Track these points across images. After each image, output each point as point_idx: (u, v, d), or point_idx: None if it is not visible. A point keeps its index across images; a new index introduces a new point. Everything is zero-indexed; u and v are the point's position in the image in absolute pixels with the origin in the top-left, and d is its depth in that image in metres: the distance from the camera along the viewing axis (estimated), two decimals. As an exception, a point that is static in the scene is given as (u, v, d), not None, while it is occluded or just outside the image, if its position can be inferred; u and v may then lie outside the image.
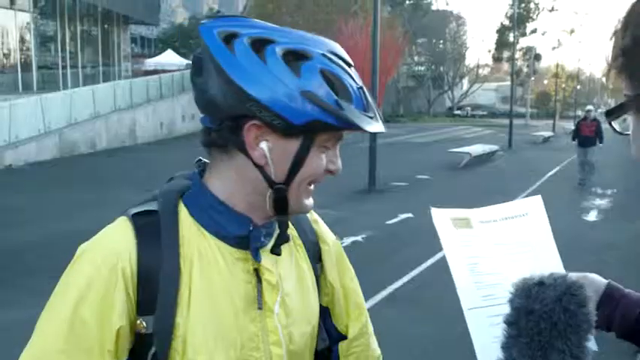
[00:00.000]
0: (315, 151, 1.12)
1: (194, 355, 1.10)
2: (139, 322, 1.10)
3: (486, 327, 1.18)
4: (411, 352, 5.25)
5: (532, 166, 21.26)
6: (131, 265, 1.09)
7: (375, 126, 1.12)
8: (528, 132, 41.46)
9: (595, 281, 1.18)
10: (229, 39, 1.08)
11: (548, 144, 32.88)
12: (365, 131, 1.10)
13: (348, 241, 9.20)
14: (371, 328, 1.42)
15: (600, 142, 16.20)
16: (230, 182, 1.16)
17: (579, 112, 78.97)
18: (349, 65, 1.14)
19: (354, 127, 1.09)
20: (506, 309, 1.07)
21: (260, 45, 1.08)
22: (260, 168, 1.12)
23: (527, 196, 8.93)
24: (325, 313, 1.36)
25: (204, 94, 1.11)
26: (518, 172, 19.56)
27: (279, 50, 1.07)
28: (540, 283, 1.02)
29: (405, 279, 7.33)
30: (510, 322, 1.02)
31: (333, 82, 1.08)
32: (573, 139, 16.74)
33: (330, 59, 1.10)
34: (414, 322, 5.92)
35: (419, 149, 27.78)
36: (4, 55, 25.47)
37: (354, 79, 1.12)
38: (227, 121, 1.10)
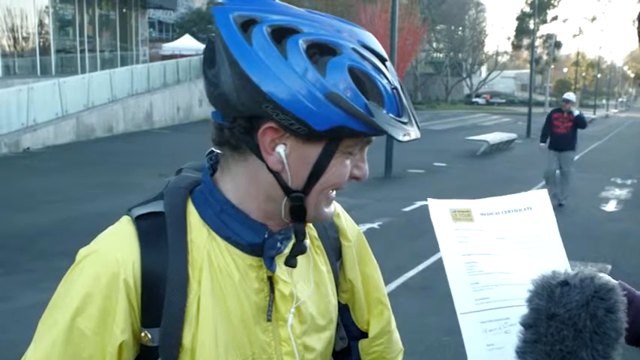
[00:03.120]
0: (338, 157, 0.99)
1: None
2: (143, 334, 1.02)
3: (479, 333, 1.11)
4: (423, 341, 5.23)
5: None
6: (134, 274, 1.01)
7: (409, 133, 0.98)
8: (547, 120, 41.06)
9: None
10: (247, 26, 0.95)
11: (567, 133, 32.55)
12: (397, 140, 0.97)
13: (363, 228, 9.18)
14: (394, 324, 1.35)
15: (582, 127, 11.33)
16: (243, 185, 1.05)
17: (603, 101, 78.16)
18: (383, 61, 1.00)
19: (384, 134, 0.96)
20: (500, 314, 0.97)
21: (282, 35, 0.94)
22: (275, 174, 1.00)
23: (544, 185, 8.67)
24: (345, 309, 1.29)
25: (215, 88, 0.98)
26: (537, 160, 19.37)
27: (302, 43, 0.94)
28: (565, 283, 0.91)
29: (421, 267, 7.30)
30: (528, 324, 0.91)
31: (363, 82, 0.95)
32: (543, 139, 11.62)
33: (361, 54, 0.97)
34: (428, 310, 5.88)
35: (436, 137, 27.58)
36: (23, 38, 25.58)
37: (387, 78, 0.98)
38: (240, 120, 0.98)
